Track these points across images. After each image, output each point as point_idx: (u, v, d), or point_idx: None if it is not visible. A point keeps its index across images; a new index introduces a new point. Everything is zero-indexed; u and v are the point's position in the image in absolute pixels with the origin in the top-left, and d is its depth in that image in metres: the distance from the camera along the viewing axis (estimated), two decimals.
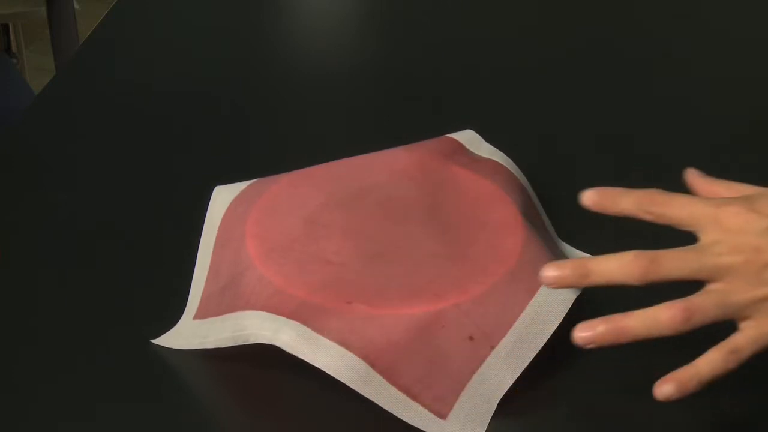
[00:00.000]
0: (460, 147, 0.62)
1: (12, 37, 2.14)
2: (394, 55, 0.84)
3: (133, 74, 0.80)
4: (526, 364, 0.49)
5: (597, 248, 0.60)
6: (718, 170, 0.69)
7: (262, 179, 0.59)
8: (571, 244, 0.61)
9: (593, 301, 0.56)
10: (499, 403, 0.48)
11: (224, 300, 0.52)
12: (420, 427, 0.47)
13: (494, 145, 0.69)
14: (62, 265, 0.58)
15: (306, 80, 0.80)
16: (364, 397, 0.49)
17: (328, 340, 0.48)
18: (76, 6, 1.87)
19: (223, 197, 0.58)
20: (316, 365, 0.48)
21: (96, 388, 0.50)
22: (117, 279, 0.57)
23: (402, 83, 0.79)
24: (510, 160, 0.62)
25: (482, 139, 0.64)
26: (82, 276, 0.58)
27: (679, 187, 0.67)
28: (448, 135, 0.63)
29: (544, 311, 0.50)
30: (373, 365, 0.48)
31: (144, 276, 0.58)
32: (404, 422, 0.48)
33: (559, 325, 0.53)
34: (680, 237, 0.62)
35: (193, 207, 0.63)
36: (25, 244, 0.60)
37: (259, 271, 0.51)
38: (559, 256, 0.55)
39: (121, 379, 0.50)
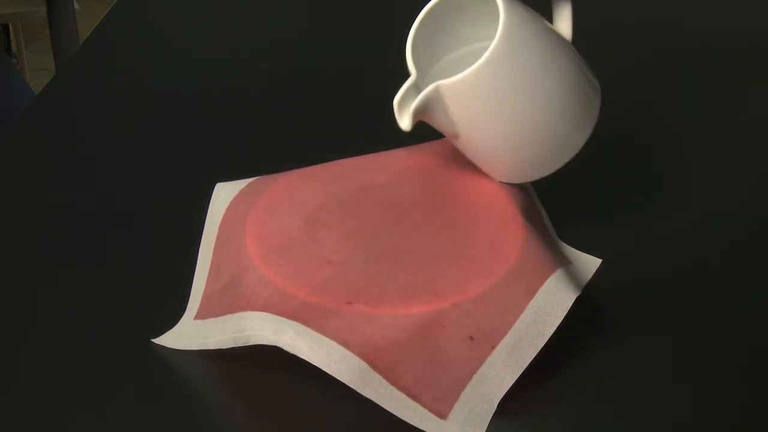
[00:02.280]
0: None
1: (12, 37, 2.14)
2: (393, 57, 0.84)
3: (133, 74, 0.80)
4: (526, 365, 0.49)
5: (596, 249, 0.60)
6: (725, 171, 0.69)
7: (262, 177, 0.59)
8: (571, 245, 0.61)
9: (593, 299, 0.56)
10: (499, 403, 0.48)
11: (224, 300, 0.52)
12: (420, 427, 0.47)
13: None
14: (62, 265, 0.58)
15: (306, 80, 0.80)
16: (364, 397, 0.49)
17: (328, 340, 0.48)
18: (76, 6, 1.87)
19: (224, 195, 0.58)
20: (315, 365, 0.48)
21: (96, 388, 0.50)
22: (117, 279, 0.57)
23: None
24: None
25: None
26: (82, 276, 0.58)
27: (681, 187, 0.67)
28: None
29: (543, 311, 0.50)
30: (373, 365, 0.48)
31: (144, 276, 0.58)
32: (404, 422, 0.48)
33: (559, 326, 0.53)
34: (680, 237, 0.62)
35: (193, 207, 0.63)
36: (25, 244, 0.60)
37: (259, 271, 0.51)
38: (559, 256, 0.55)
39: (122, 380, 0.50)
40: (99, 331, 0.53)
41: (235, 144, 0.71)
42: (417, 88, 0.56)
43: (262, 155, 0.70)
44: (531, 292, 0.51)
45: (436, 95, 0.54)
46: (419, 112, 0.54)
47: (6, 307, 0.55)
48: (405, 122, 0.55)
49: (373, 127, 0.73)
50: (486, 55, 0.53)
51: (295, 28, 0.89)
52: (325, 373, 0.50)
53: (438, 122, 0.56)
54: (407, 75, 0.56)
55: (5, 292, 0.56)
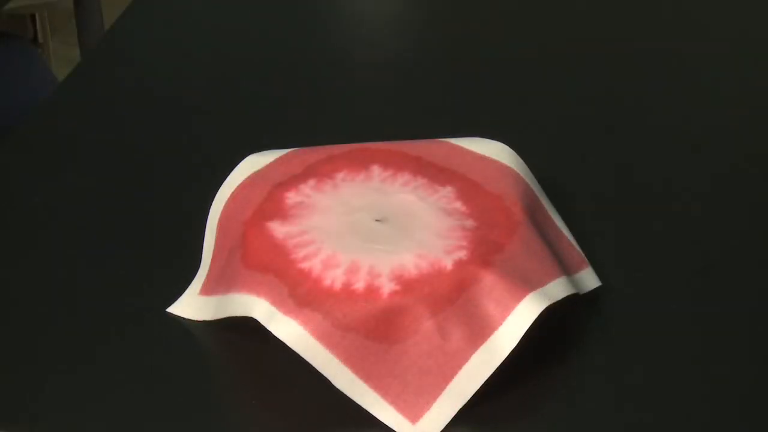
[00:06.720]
0: (459, 148, 0.61)
1: (38, 26, 2.15)
2: (392, 58, 0.83)
3: (155, 65, 0.81)
4: (490, 373, 0.49)
5: (595, 247, 0.60)
6: (726, 171, 0.68)
7: (291, 152, 0.60)
8: (581, 243, 0.60)
9: (592, 298, 0.56)
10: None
11: (220, 285, 0.54)
12: (392, 427, 0.48)
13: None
14: (66, 261, 0.59)
15: (311, 84, 0.80)
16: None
17: (295, 324, 0.49)
18: None
19: (246, 166, 0.59)
20: (281, 339, 0.49)
21: (96, 385, 0.50)
22: (118, 276, 0.58)
23: (404, 85, 0.79)
24: (518, 158, 0.60)
25: (489, 141, 0.62)
26: (86, 270, 0.58)
27: (687, 182, 0.66)
28: (448, 138, 0.63)
29: (516, 320, 0.50)
30: (349, 361, 0.48)
31: (146, 276, 0.58)
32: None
33: (556, 326, 0.52)
34: (687, 237, 0.61)
35: (200, 208, 0.64)
36: (44, 228, 0.61)
37: (247, 264, 0.52)
38: (554, 265, 0.54)
39: (123, 375, 0.50)
40: (103, 325, 0.54)
41: (243, 143, 0.71)
42: None
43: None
44: (505, 306, 0.50)
45: None
46: None
47: (6, 303, 0.55)
48: None
49: (372, 129, 0.73)
50: None
51: (307, 30, 0.89)
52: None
53: None
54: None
55: (6, 287, 0.57)
